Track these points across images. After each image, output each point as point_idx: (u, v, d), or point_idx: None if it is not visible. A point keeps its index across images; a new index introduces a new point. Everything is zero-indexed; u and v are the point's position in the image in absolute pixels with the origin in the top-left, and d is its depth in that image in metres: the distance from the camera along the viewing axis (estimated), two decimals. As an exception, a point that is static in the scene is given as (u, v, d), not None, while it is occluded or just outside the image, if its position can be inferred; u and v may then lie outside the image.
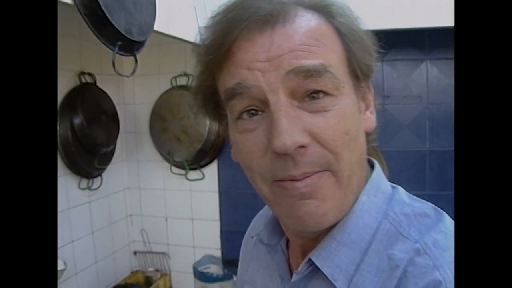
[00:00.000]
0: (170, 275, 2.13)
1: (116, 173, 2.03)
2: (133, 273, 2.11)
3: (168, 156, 2.01)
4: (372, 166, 0.56)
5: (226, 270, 1.97)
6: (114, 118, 1.88)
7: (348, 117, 0.47)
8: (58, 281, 1.58)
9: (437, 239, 0.46)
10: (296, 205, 0.47)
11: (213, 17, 0.50)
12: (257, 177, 0.49)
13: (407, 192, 0.55)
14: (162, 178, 2.10)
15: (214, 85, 0.51)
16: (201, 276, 1.93)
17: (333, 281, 0.48)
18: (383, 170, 0.59)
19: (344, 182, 0.48)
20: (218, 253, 2.05)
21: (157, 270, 2.11)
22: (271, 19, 0.45)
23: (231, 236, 2.02)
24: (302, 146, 0.44)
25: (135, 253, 2.16)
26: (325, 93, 0.46)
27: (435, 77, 1.77)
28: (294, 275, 0.53)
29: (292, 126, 0.44)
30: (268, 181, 0.48)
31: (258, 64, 0.45)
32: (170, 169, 2.05)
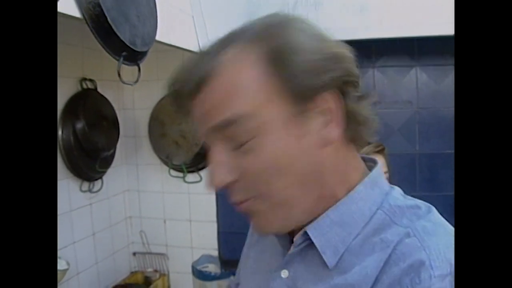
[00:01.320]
0: (168, 275, 2.17)
1: (116, 176, 2.07)
2: (133, 273, 2.15)
3: (166, 159, 2.06)
4: (375, 163, 0.62)
5: (223, 270, 2.01)
6: (114, 123, 1.92)
7: (275, 151, 0.52)
8: (61, 281, 1.62)
9: (426, 226, 0.52)
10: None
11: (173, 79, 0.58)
12: None
13: (403, 193, 0.61)
14: (160, 181, 2.15)
15: None
16: (199, 274, 1.97)
17: (322, 254, 0.55)
18: (389, 170, 0.63)
19: (282, 201, 0.54)
20: (215, 254, 2.09)
21: (156, 271, 2.14)
22: (195, 88, 0.54)
23: (228, 237, 2.06)
24: (231, 183, 0.53)
25: (134, 254, 2.20)
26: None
27: (425, 83, 1.83)
28: (291, 247, 0.59)
29: (219, 167, 0.53)
30: None
31: (195, 118, 0.56)
32: (169, 172, 2.09)
